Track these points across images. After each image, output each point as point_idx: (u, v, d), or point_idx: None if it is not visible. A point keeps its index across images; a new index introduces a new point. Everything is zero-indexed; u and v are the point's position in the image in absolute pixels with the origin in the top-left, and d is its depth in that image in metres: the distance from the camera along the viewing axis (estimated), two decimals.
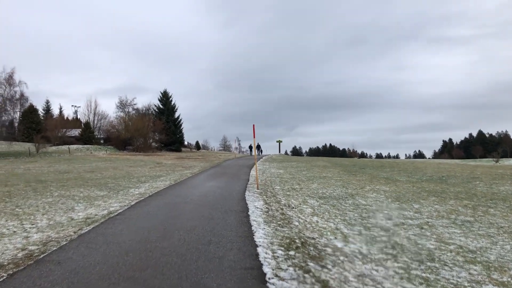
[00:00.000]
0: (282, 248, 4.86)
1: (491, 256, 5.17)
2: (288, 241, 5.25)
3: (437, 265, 4.70)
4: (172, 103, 55.76)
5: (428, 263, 4.76)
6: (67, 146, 46.57)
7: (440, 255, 5.13)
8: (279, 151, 57.66)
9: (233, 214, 6.95)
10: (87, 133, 56.78)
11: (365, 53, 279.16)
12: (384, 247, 5.42)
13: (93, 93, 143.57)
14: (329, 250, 5.11)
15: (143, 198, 9.53)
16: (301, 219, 7.21)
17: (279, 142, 56.54)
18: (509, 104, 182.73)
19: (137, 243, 5.05)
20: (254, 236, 5.36)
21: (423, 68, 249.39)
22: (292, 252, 4.73)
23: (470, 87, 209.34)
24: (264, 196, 9.56)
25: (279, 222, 6.53)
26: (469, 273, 4.46)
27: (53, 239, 5.47)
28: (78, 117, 74.67)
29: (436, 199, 9.83)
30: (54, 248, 4.93)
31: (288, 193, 10.82)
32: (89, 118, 66.78)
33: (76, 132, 59.15)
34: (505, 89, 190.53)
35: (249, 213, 7.09)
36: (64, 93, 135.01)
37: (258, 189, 10.79)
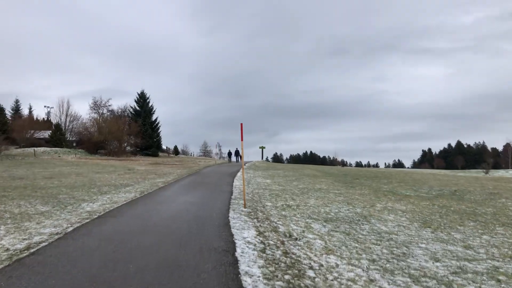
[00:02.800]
0: None
1: None
2: None
3: None
4: (150, 104, 52.79)
5: None
6: (34, 148, 43.06)
7: None
8: (262, 158, 55.32)
9: (212, 257, 4.48)
10: (57, 135, 53.01)
11: (346, 63, 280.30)
12: None
13: (73, 96, 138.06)
14: None
15: (90, 219, 7.01)
16: (314, 261, 4.83)
17: (262, 148, 54.17)
18: (485, 116, 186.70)
19: None
20: None
21: (403, 79, 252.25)
22: None
23: (448, 98, 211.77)
24: (255, 220, 7.12)
25: (286, 275, 4.12)
26: None
27: None
28: (50, 118, 70.54)
29: (476, 225, 7.63)
30: None
31: (283, 212, 8.45)
32: (60, 120, 62.88)
33: (46, 134, 55.34)
34: (480, 101, 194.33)
35: (237, 254, 4.63)
36: (44, 95, 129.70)
37: (245, 207, 8.35)
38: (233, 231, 5.92)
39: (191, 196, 10.53)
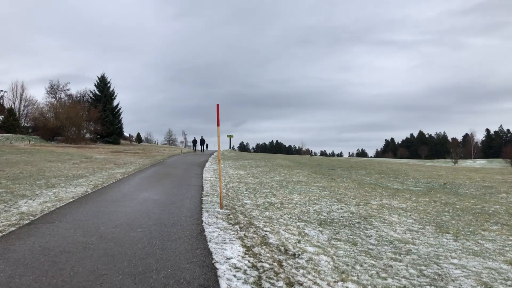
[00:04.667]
0: None
1: None
2: None
3: None
4: (111, 89, 49.43)
5: None
6: None
7: None
8: (230, 147, 53.71)
9: None
10: (10, 121, 48.88)
11: (312, 53, 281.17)
12: None
13: (33, 80, 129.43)
14: None
15: (17, 226, 5.23)
16: None
17: (230, 137, 52.53)
18: (445, 107, 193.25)
19: None
20: None
21: (367, 70, 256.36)
22: None
23: (410, 90, 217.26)
24: (237, 226, 5.55)
25: None
26: None
27: None
28: (3, 103, 65.25)
29: (500, 228, 6.43)
30: None
31: (267, 213, 6.94)
32: (14, 104, 58.15)
33: None
34: (441, 93, 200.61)
35: None
36: (1, 79, 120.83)
37: (222, 208, 6.76)
38: (211, 246, 4.32)
39: (154, 191, 8.82)
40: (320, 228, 6.01)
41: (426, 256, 4.77)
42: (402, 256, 4.76)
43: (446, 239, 5.69)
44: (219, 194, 7.12)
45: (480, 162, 51.93)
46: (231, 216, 6.22)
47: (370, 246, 5.14)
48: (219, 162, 7.43)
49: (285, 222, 6.28)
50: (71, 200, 7.53)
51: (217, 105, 6.41)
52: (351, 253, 4.75)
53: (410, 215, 7.33)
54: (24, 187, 9.47)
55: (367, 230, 6.06)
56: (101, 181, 10.97)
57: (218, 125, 6.55)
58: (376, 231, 6.04)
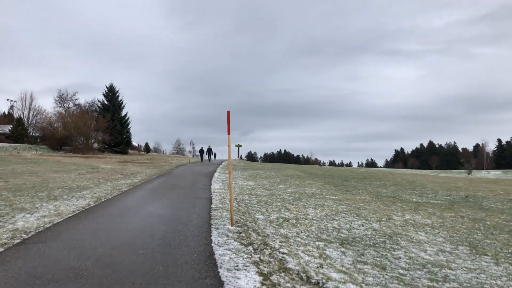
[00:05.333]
0: None
1: None
2: None
3: None
4: (119, 99, 49.31)
5: None
6: None
7: None
8: (238, 156, 53.16)
9: None
10: (18, 130, 48.88)
11: (319, 63, 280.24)
12: None
13: (42, 91, 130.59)
14: None
15: (5, 246, 4.70)
16: None
17: (238, 146, 51.95)
18: (454, 117, 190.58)
19: None
20: None
21: (375, 80, 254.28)
22: None
23: (419, 99, 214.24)
24: (250, 247, 4.95)
25: None
26: None
27: None
28: (13, 113, 65.51)
29: None
30: None
31: (282, 230, 6.34)
32: (23, 114, 58.36)
33: (6, 128, 51.13)
34: (450, 102, 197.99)
35: None
36: (10, 89, 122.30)
37: (232, 225, 6.17)
38: (222, 274, 3.74)
39: (160, 205, 8.28)
40: (343, 249, 5.40)
41: (468, 285, 4.14)
42: (440, 284, 4.14)
43: (485, 262, 5.04)
44: (230, 209, 6.53)
45: (495, 173, 50.65)
46: (243, 234, 5.63)
47: (401, 271, 4.52)
48: (229, 174, 6.78)
49: (303, 241, 5.69)
50: (71, 215, 7.01)
51: (228, 112, 5.87)
52: (382, 280, 4.14)
53: (438, 232, 6.68)
54: (25, 199, 9.01)
55: (394, 251, 5.44)
56: (105, 193, 10.47)
57: (228, 133, 5.99)
58: (405, 252, 5.42)
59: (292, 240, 5.67)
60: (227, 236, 5.45)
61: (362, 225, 7.11)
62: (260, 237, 5.60)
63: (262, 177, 18.22)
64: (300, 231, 6.39)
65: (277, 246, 5.18)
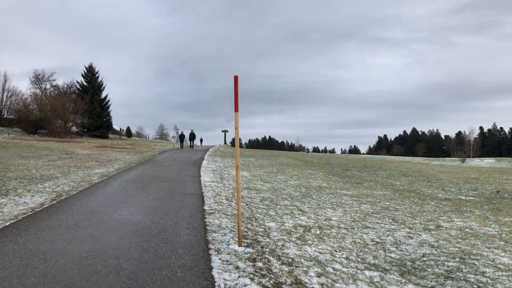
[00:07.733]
0: None
1: None
2: None
3: None
4: (99, 80, 46.35)
5: None
6: None
7: None
8: (225, 142, 51.06)
9: None
10: None
11: (304, 49, 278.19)
12: None
13: (24, 73, 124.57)
14: None
15: None
16: None
17: (225, 132, 49.78)
18: (437, 104, 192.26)
19: None
20: None
21: (360, 67, 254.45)
22: None
23: (402, 87, 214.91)
24: None
25: None
26: None
27: None
28: None
29: None
30: None
31: (310, 250, 4.46)
32: None
33: None
34: (433, 90, 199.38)
35: None
36: None
37: (240, 245, 4.22)
38: None
39: (137, 206, 6.28)
40: (410, 285, 3.55)
41: None
42: None
43: None
44: (238, 225, 4.57)
45: (489, 161, 49.88)
46: (260, 263, 3.70)
47: None
48: (237, 170, 4.40)
49: (345, 270, 3.81)
50: (8, 224, 4.98)
51: (235, 77, 3.89)
52: None
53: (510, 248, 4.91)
54: None
55: (480, 285, 3.62)
56: (70, 187, 8.43)
57: (236, 110, 3.99)
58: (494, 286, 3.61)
59: (330, 269, 3.79)
60: (236, 266, 3.52)
61: (410, 237, 5.29)
62: (285, 267, 3.68)
63: (255, 166, 16.31)
64: (332, 249, 4.52)
65: (316, 286, 3.29)
